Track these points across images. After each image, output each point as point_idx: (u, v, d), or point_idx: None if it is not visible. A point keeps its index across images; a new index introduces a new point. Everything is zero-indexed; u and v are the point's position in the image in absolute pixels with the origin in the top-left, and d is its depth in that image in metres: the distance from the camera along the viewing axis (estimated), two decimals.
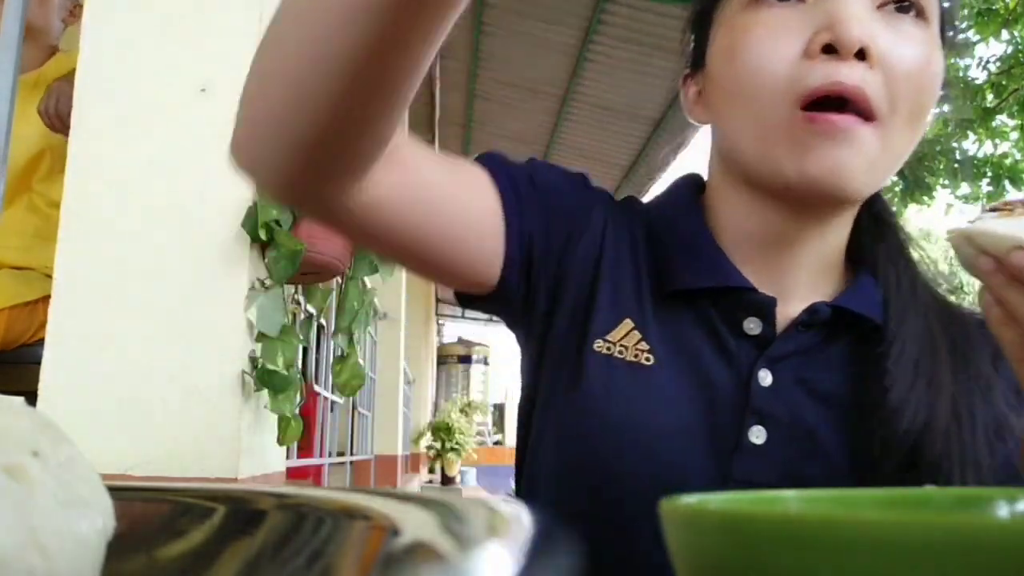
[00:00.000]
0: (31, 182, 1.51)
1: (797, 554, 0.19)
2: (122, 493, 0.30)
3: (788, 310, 0.58)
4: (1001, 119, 5.48)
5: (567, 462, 0.58)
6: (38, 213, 1.48)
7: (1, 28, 1.25)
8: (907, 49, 0.53)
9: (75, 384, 1.16)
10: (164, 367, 1.17)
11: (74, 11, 1.69)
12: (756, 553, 0.19)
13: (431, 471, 10.49)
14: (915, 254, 0.64)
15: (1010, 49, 5.37)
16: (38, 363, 1.17)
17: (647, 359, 0.57)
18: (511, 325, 0.65)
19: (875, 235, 0.64)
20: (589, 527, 0.55)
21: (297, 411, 1.30)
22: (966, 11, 5.28)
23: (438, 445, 9.90)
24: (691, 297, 0.59)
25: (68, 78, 1.48)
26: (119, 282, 1.19)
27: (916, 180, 5.43)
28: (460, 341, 16.97)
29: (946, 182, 5.55)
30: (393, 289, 4.49)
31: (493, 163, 0.60)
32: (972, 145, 5.55)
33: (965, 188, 5.60)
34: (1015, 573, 0.16)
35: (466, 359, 16.64)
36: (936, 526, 0.17)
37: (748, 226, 0.59)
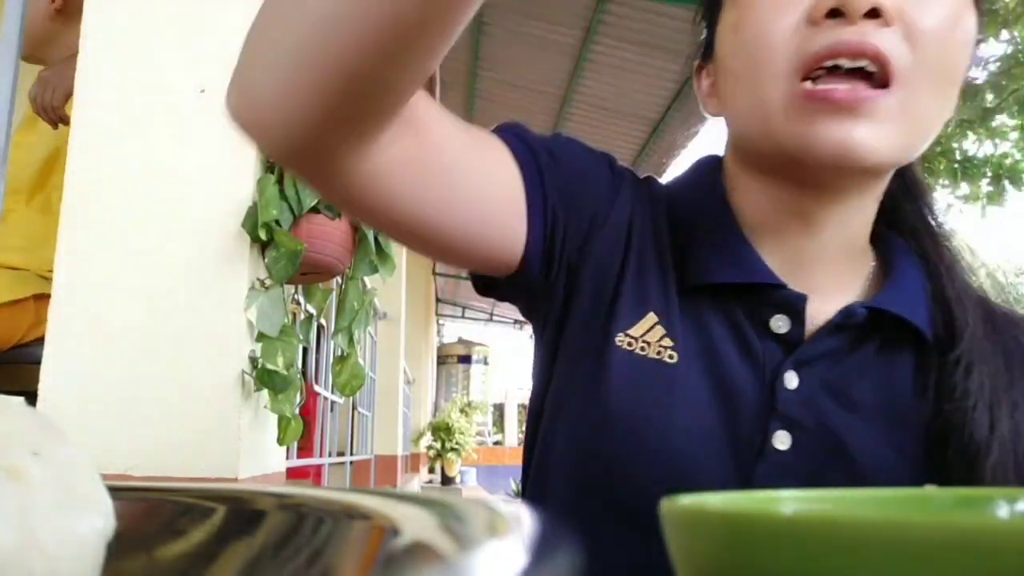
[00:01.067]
0: (49, 180, 1.51)
1: (797, 554, 0.19)
2: (122, 493, 0.30)
3: (817, 307, 0.55)
4: (1001, 119, 5.47)
5: (580, 461, 0.55)
6: (52, 214, 1.48)
7: (1, 28, 1.25)
8: (931, 5, 0.48)
9: (75, 384, 1.16)
10: (164, 367, 1.17)
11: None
12: (756, 553, 0.19)
13: (431, 471, 10.49)
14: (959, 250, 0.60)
15: (1010, 49, 5.36)
16: (38, 363, 1.17)
17: (670, 357, 0.54)
18: (528, 313, 0.62)
19: (915, 219, 0.60)
20: (600, 529, 0.53)
21: (297, 411, 1.30)
22: None
23: (438, 445, 9.90)
24: (716, 291, 0.55)
25: (57, 69, 1.48)
26: (119, 282, 1.19)
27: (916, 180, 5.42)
28: (460, 341, 16.96)
29: (946, 182, 5.55)
30: (393, 289, 4.49)
31: (513, 134, 0.56)
32: (972, 145, 5.55)
33: (965, 188, 5.59)
34: (1015, 573, 0.16)
35: (466, 359, 16.63)
36: (936, 526, 0.17)
37: (767, 215, 0.56)
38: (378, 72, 0.40)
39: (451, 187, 0.50)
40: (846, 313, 0.54)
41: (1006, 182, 5.52)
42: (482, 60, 5.96)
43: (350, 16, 0.38)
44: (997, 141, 5.56)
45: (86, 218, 1.21)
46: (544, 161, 0.55)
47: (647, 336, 0.54)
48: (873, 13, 0.47)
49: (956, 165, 5.45)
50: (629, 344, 0.54)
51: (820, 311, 0.54)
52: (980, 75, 5.47)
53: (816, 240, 0.55)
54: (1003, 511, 0.27)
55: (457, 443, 9.83)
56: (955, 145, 5.48)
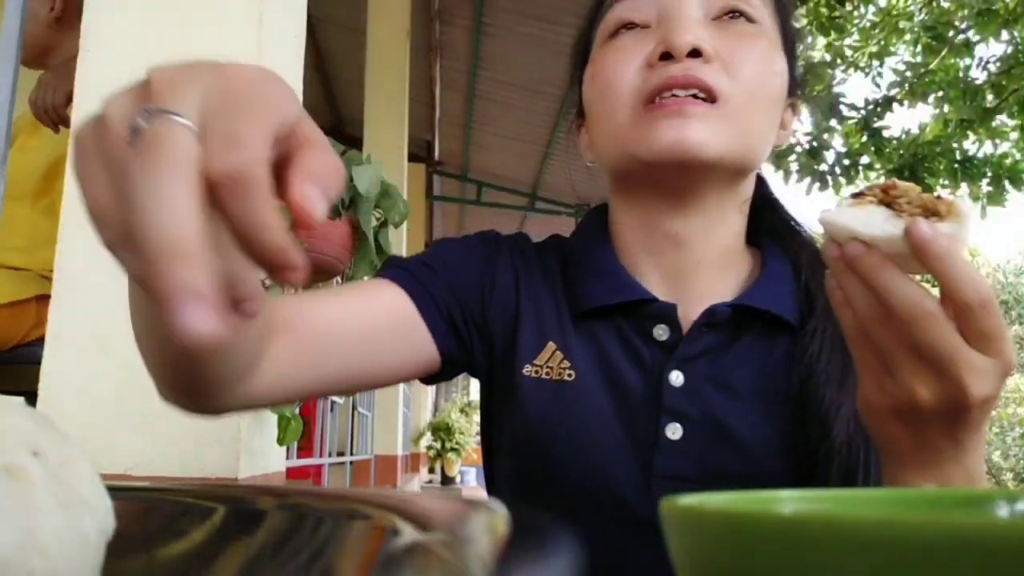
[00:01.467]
0: (55, 185, 1.51)
1: (797, 554, 0.19)
2: (122, 493, 0.30)
3: (694, 312, 0.63)
4: (1001, 119, 5.47)
5: (517, 473, 0.65)
6: (56, 217, 1.48)
7: (1, 28, 1.25)
8: (742, 43, 0.60)
9: (75, 384, 1.16)
10: None
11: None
12: (756, 553, 0.19)
13: (431, 471, 10.49)
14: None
15: (1010, 49, 5.36)
16: (38, 363, 1.17)
17: (569, 375, 0.63)
18: (471, 374, 0.72)
19: (778, 224, 0.70)
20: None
21: (297, 411, 1.30)
22: (966, 11, 5.28)
23: (438, 445, 9.90)
24: (605, 314, 0.64)
25: (57, 71, 1.48)
26: (119, 282, 1.19)
27: (916, 180, 5.43)
28: None
29: (946, 182, 5.55)
30: None
31: (393, 269, 0.67)
32: (972, 145, 5.55)
33: (965, 188, 5.59)
34: (1015, 573, 0.16)
35: None
36: (936, 526, 0.17)
37: (642, 240, 0.65)
38: (206, 374, 0.49)
39: (348, 353, 0.59)
40: (709, 313, 0.62)
41: (1006, 182, 5.51)
42: (482, 60, 5.96)
43: (150, 344, 0.51)
44: (997, 141, 5.56)
45: (86, 218, 1.21)
46: (424, 275, 0.66)
47: (549, 362, 0.64)
48: (695, 53, 0.58)
49: (956, 165, 5.45)
50: (536, 372, 0.64)
51: (696, 315, 0.63)
52: (980, 75, 5.47)
53: (686, 254, 0.64)
54: (1003, 511, 0.27)
55: (457, 443, 9.82)
56: (955, 145, 5.48)
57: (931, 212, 0.43)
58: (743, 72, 0.59)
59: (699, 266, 0.64)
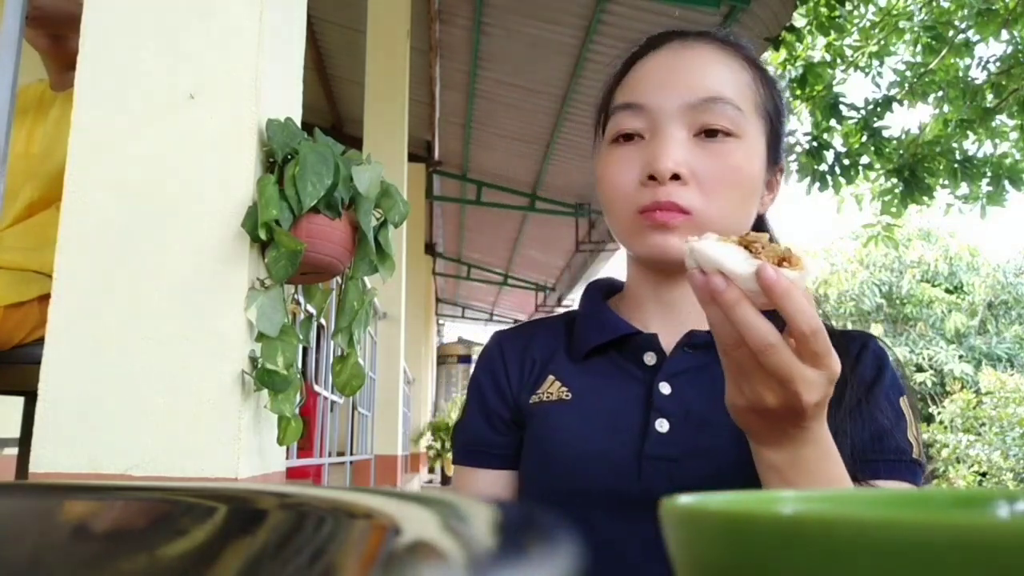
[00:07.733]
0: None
1: (797, 554, 0.19)
2: (122, 493, 0.30)
3: (682, 340, 0.77)
4: (1001, 119, 5.47)
5: (536, 476, 0.79)
6: None
7: (1, 28, 1.25)
8: (715, 165, 0.73)
9: (75, 384, 1.16)
10: (164, 367, 1.17)
11: None
12: (756, 553, 0.20)
13: (431, 471, 10.49)
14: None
15: (1010, 49, 5.36)
16: (38, 363, 1.17)
17: (566, 395, 0.79)
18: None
19: None
20: (565, 511, 0.69)
21: (297, 411, 1.30)
22: (966, 11, 5.28)
23: (438, 445, 9.90)
24: (603, 351, 0.80)
25: None
26: (119, 282, 1.19)
27: (916, 180, 5.43)
28: (460, 341, 16.95)
29: (946, 182, 5.55)
30: (393, 289, 4.49)
31: (459, 455, 0.85)
32: (972, 145, 5.54)
33: (965, 188, 5.59)
34: (1015, 573, 0.16)
35: (466, 359, 16.62)
36: (936, 526, 0.17)
37: (643, 289, 0.82)
38: None
39: None
40: (689, 335, 0.77)
41: (1006, 182, 5.51)
42: (482, 60, 5.95)
43: None
44: (997, 141, 5.56)
45: (86, 218, 1.21)
46: (475, 447, 0.84)
47: (550, 390, 0.80)
48: (676, 176, 0.72)
49: (956, 165, 5.45)
50: (538, 400, 0.80)
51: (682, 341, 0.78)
52: (980, 75, 5.47)
53: (674, 300, 0.80)
54: (1003, 511, 0.27)
55: None
56: (955, 145, 5.48)
57: (781, 259, 0.54)
58: (716, 190, 0.73)
59: (685, 309, 0.79)
